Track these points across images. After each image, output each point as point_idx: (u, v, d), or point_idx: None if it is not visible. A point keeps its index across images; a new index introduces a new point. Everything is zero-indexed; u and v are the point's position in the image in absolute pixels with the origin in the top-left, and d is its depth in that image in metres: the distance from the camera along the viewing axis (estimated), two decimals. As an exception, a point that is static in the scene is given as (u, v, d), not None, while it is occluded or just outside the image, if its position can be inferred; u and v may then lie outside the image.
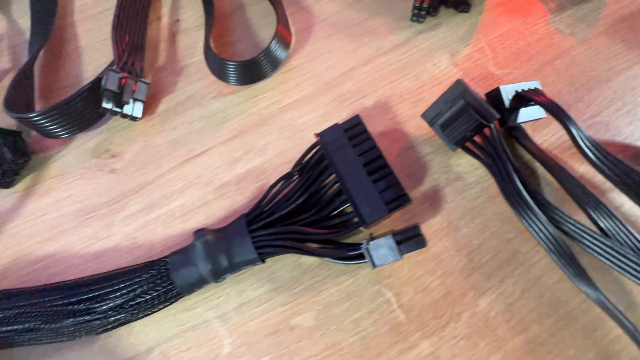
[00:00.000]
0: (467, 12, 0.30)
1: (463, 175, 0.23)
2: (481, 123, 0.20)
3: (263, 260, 0.20)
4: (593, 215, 0.19)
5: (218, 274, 0.19)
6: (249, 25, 0.33)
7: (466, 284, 0.19)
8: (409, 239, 0.18)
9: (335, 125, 0.22)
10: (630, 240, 0.18)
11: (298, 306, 0.20)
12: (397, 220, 0.22)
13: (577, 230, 0.18)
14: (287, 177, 0.22)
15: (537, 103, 0.20)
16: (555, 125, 0.24)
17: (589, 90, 0.25)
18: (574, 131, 0.19)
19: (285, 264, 0.21)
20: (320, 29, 0.31)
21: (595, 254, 0.18)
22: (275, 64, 0.29)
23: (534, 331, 0.18)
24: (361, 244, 0.19)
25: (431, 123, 0.23)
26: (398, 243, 0.18)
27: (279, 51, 0.28)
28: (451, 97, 0.22)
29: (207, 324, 0.19)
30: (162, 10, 0.34)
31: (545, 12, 0.30)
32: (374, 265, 0.18)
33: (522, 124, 0.23)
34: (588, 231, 0.18)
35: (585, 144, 0.18)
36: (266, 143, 0.26)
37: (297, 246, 0.19)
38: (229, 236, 0.19)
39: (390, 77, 0.28)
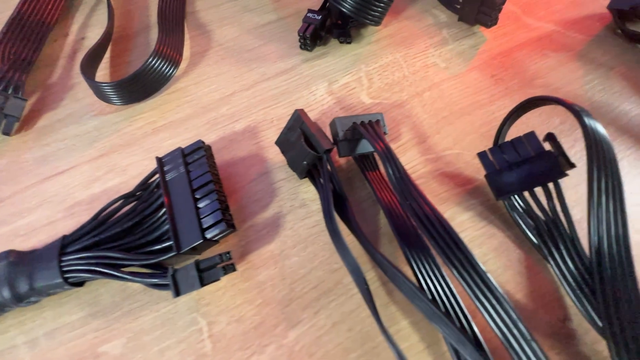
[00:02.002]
0: (349, 43, 0.30)
1: (308, 203, 0.23)
2: (311, 153, 0.21)
3: (79, 284, 0.20)
4: (406, 251, 0.19)
5: (19, 299, 0.18)
6: (149, 46, 0.33)
7: (281, 314, 0.19)
8: (212, 267, 0.18)
9: (177, 149, 0.22)
10: (439, 281, 0.18)
11: (110, 332, 0.19)
12: (233, 246, 0.22)
13: (384, 266, 0.18)
14: (124, 197, 0.22)
15: (364, 137, 0.21)
16: (409, 155, 0.25)
17: (448, 123, 0.26)
18: (387, 166, 0.19)
19: (111, 287, 0.20)
20: (214, 53, 0.32)
21: (399, 289, 0.18)
22: (158, 84, 0.29)
23: (335, 366, 0.18)
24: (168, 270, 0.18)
25: (281, 150, 0.23)
26: (202, 271, 0.18)
27: (161, 71, 0.29)
28: (292, 127, 0.22)
29: (13, 350, 0.19)
30: (71, 27, 0.35)
31: (428, 46, 0.31)
32: (176, 294, 0.18)
33: (374, 154, 0.24)
34: (392, 268, 0.18)
35: (395, 177, 0.19)
36: (129, 163, 0.26)
37: (107, 271, 0.19)
38: (35, 259, 0.19)
39: (267, 103, 0.28)
